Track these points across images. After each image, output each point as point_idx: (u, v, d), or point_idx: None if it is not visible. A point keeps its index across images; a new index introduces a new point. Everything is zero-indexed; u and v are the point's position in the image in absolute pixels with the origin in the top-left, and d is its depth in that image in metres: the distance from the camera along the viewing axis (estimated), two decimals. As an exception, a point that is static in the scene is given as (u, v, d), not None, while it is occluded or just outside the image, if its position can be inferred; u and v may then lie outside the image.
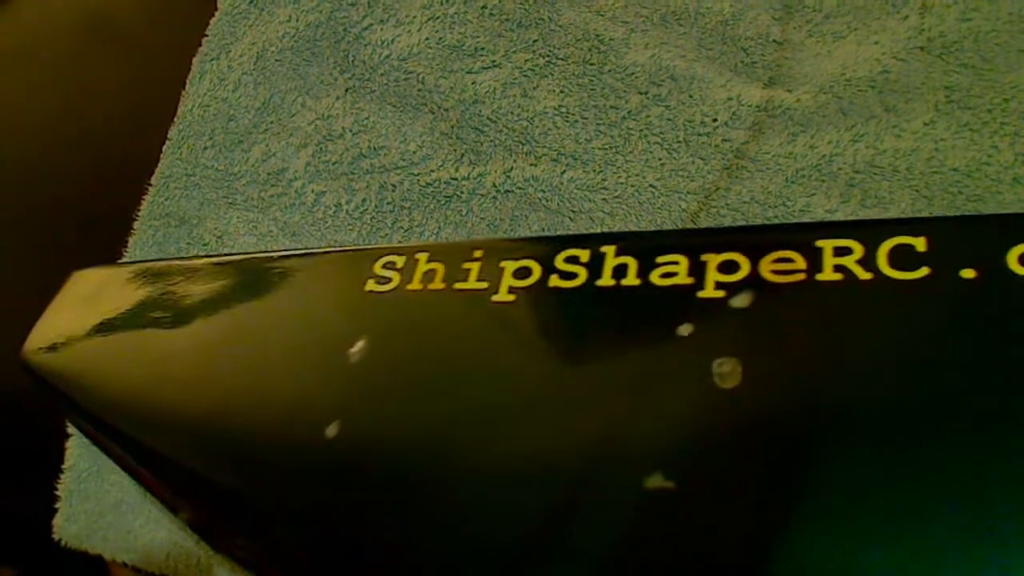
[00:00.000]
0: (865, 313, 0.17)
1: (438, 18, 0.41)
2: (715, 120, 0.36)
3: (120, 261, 0.43)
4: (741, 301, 0.18)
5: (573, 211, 0.36)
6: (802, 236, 0.18)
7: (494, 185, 0.38)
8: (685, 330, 0.18)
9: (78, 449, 0.40)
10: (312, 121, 0.42)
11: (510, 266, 0.21)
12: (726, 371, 0.17)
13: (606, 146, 0.37)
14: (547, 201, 0.37)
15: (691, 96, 0.37)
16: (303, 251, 0.27)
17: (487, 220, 0.37)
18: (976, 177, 0.31)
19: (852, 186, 0.33)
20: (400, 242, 0.38)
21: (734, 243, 0.19)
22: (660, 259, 0.19)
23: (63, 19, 0.53)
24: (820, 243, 0.18)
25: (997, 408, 0.14)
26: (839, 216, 0.32)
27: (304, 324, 0.23)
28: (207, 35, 0.46)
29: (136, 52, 0.51)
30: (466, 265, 0.21)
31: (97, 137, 0.48)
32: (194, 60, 0.46)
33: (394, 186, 0.39)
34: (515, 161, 0.38)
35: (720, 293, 0.18)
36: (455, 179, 0.38)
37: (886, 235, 0.17)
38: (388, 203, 0.39)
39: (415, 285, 0.22)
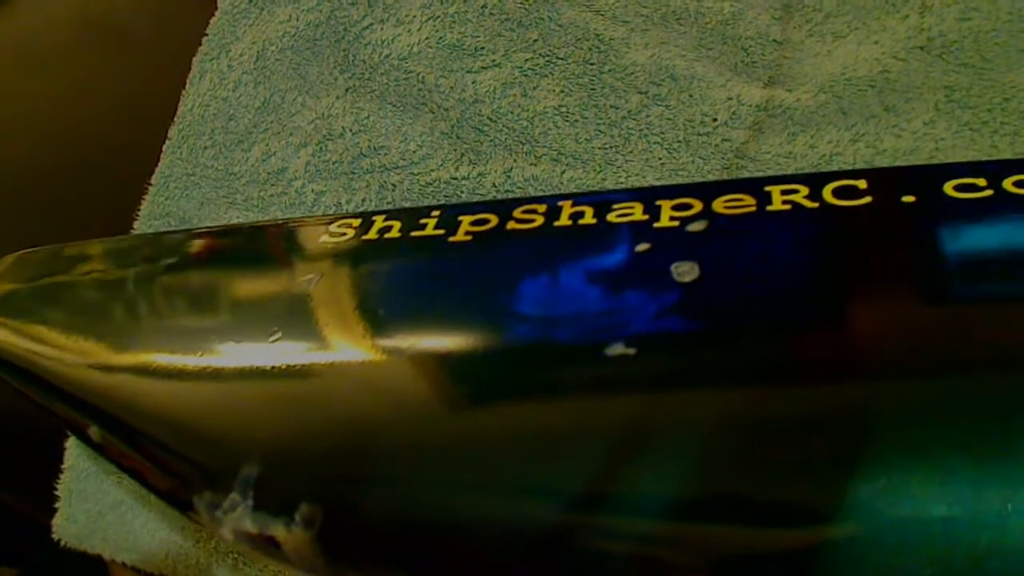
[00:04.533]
0: (813, 227, 0.18)
1: (438, 17, 0.41)
2: (715, 120, 0.36)
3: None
4: (696, 227, 0.19)
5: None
6: (750, 183, 0.20)
7: (494, 185, 0.38)
8: (642, 248, 0.19)
9: (78, 449, 0.40)
10: (312, 120, 0.42)
11: (467, 218, 0.21)
12: (684, 271, 0.18)
13: (606, 146, 0.37)
14: (547, 201, 0.37)
15: (691, 96, 0.37)
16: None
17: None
18: (976, 177, 0.31)
19: (852, 186, 0.33)
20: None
21: (686, 191, 0.20)
22: (615, 205, 0.20)
23: (63, 19, 0.53)
24: (768, 188, 0.19)
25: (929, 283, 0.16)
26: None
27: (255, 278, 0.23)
28: (207, 34, 0.46)
29: (136, 52, 0.51)
30: (423, 220, 0.22)
31: (97, 137, 0.48)
32: (194, 60, 0.46)
33: (394, 186, 0.39)
34: (515, 161, 0.38)
35: (675, 223, 0.19)
36: (455, 179, 0.38)
37: (830, 179, 0.19)
38: (388, 203, 0.39)
39: (371, 235, 0.22)
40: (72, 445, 0.40)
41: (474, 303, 0.19)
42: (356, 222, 0.23)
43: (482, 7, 0.41)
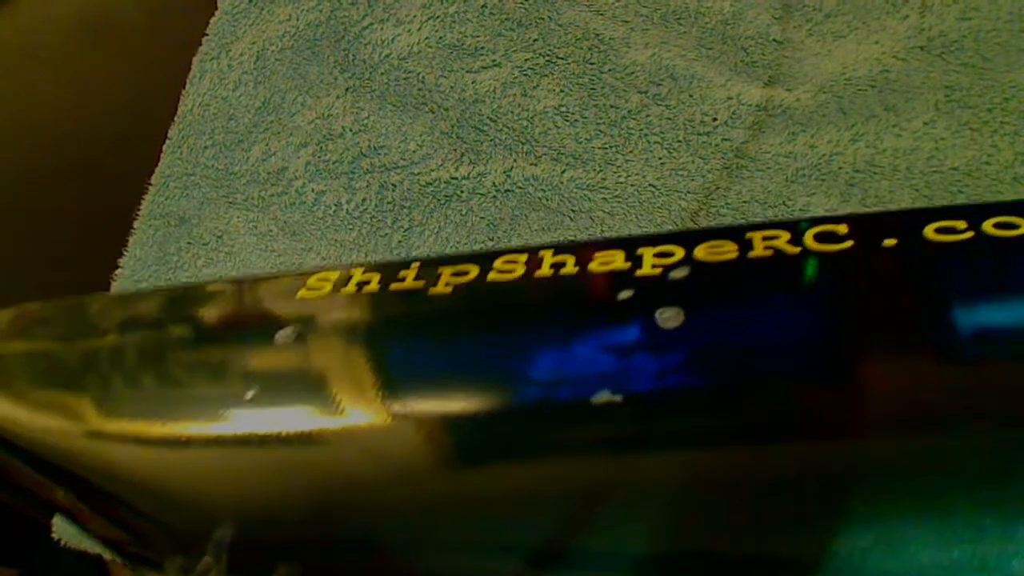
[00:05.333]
0: (797, 271, 0.18)
1: (438, 17, 0.41)
2: (715, 119, 0.36)
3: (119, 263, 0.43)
4: (678, 274, 0.18)
5: (573, 210, 0.36)
6: (731, 231, 0.19)
7: (494, 184, 0.38)
8: (625, 295, 0.18)
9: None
10: (312, 120, 0.42)
11: (447, 269, 0.21)
12: (668, 316, 0.17)
13: (606, 145, 0.37)
14: (547, 200, 0.37)
15: (691, 95, 0.37)
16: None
17: (487, 219, 0.37)
18: (976, 176, 0.31)
19: (852, 185, 0.33)
20: (400, 242, 0.38)
21: (666, 239, 0.20)
22: (597, 254, 0.20)
23: (63, 19, 0.53)
24: (749, 235, 0.19)
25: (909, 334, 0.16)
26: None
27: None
28: (207, 34, 0.46)
29: (136, 52, 0.51)
30: (402, 273, 0.21)
31: (97, 136, 0.48)
32: (194, 59, 0.46)
33: (394, 185, 0.39)
34: (515, 160, 0.38)
35: (657, 271, 0.19)
36: (455, 178, 0.38)
37: (809, 225, 0.18)
38: (388, 202, 0.39)
39: (349, 289, 0.21)
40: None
41: (458, 362, 0.19)
42: (335, 275, 0.22)
43: (482, 7, 0.41)
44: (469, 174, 0.38)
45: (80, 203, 0.47)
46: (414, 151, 0.40)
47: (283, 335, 0.21)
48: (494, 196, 0.37)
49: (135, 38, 0.52)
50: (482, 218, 0.37)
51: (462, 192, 0.38)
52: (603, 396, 0.16)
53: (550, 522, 0.16)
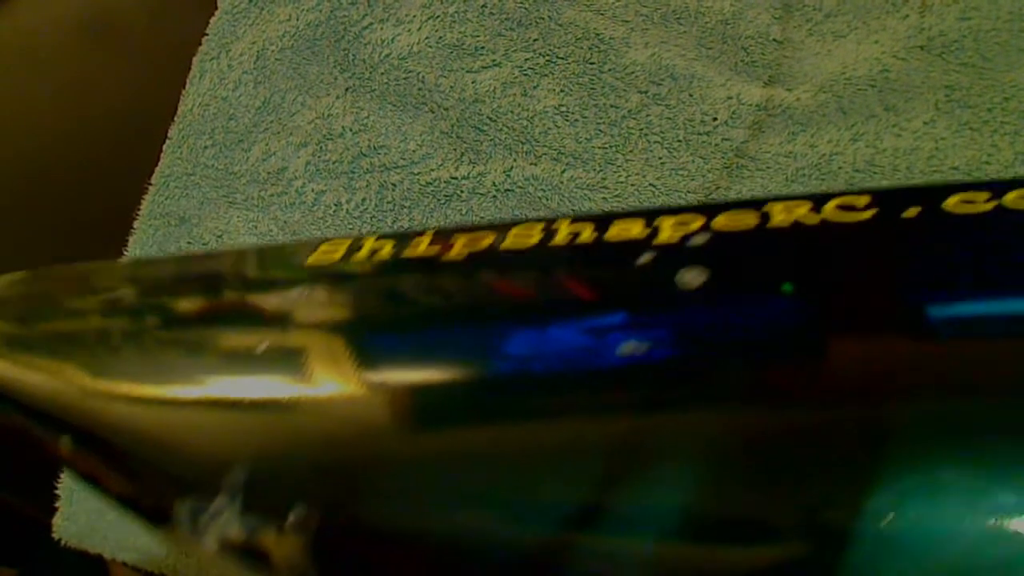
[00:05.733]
0: (819, 236, 0.18)
1: (438, 17, 0.41)
2: (715, 119, 0.36)
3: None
4: (698, 240, 0.18)
5: (573, 210, 0.36)
6: (750, 202, 0.19)
7: (494, 184, 0.38)
8: (645, 258, 0.18)
9: (78, 448, 0.40)
10: (312, 120, 0.42)
11: (462, 236, 0.21)
12: (690, 277, 0.17)
13: (606, 145, 0.37)
14: (547, 200, 0.37)
15: (691, 95, 0.37)
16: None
17: (487, 219, 0.37)
18: (976, 175, 0.31)
19: (852, 185, 0.33)
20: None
21: (685, 209, 0.20)
22: (615, 223, 0.20)
23: (63, 19, 0.53)
24: (768, 206, 0.19)
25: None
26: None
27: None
28: (207, 34, 0.46)
29: (136, 51, 0.51)
30: (416, 240, 0.21)
31: (97, 136, 0.48)
32: (194, 59, 0.46)
33: (394, 185, 0.39)
34: (515, 160, 0.38)
35: (676, 239, 0.19)
36: (455, 178, 0.39)
37: (830, 197, 0.19)
38: (388, 202, 0.39)
39: (361, 255, 0.21)
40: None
41: (465, 328, 0.19)
42: (346, 243, 0.22)
43: (482, 7, 0.41)
44: (469, 174, 0.38)
45: (80, 203, 0.47)
46: (414, 151, 0.40)
47: (294, 293, 0.21)
48: (494, 196, 0.38)
49: (135, 38, 0.52)
50: (482, 217, 0.37)
51: (462, 192, 0.38)
52: (628, 346, 0.16)
53: (589, 480, 0.16)
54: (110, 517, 0.38)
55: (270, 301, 0.21)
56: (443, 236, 0.21)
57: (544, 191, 0.37)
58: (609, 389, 0.16)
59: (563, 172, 0.37)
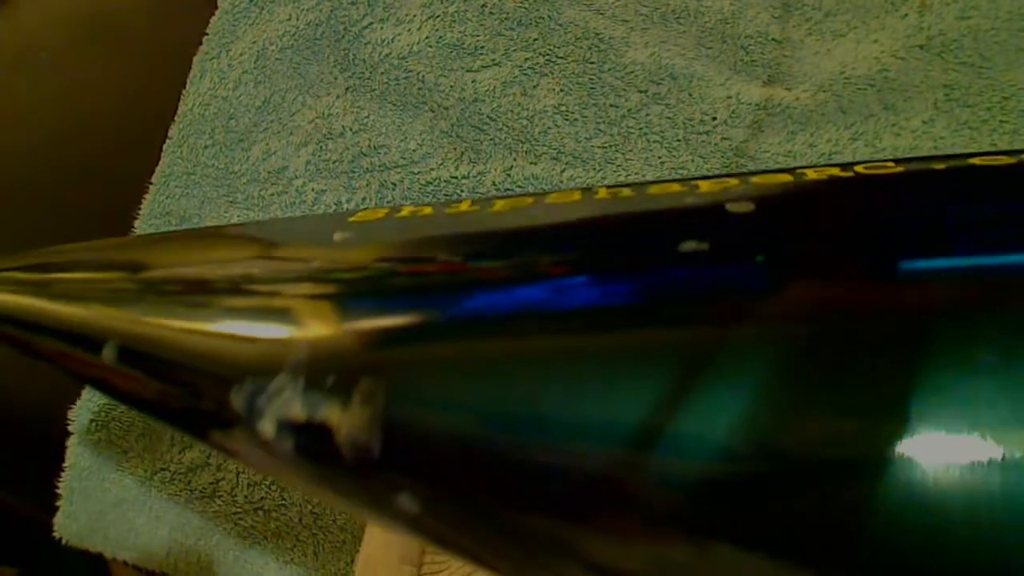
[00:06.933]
0: (851, 187, 0.19)
1: (438, 16, 0.41)
2: (714, 118, 0.36)
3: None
4: (736, 190, 0.19)
5: (573, 209, 0.36)
6: (783, 170, 0.20)
7: (494, 184, 0.38)
8: (690, 199, 0.19)
9: (78, 447, 0.40)
10: (312, 120, 0.42)
11: (502, 201, 0.21)
12: (739, 207, 0.18)
13: (606, 144, 0.37)
14: (547, 199, 0.37)
15: (691, 94, 0.37)
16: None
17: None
18: (975, 175, 0.32)
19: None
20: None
21: (722, 175, 0.20)
22: (653, 186, 0.20)
23: (63, 19, 0.53)
24: (800, 170, 0.20)
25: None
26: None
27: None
28: (207, 34, 0.46)
29: (136, 51, 0.51)
30: (455, 204, 0.22)
31: (97, 136, 0.48)
32: (194, 59, 0.46)
33: (394, 184, 0.39)
34: (515, 160, 0.38)
35: (714, 191, 0.19)
36: (455, 178, 0.39)
37: (860, 162, 0.20)
38: (388, 202, 0.39)
39: (404, 213, 0.21)
40: (73, 443, 0.40)
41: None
42: (384, 210, 0.22)
43: (482, 6, 0.41)
44: (469, 173, 0.38)
45: (80, 203, 0.47)
46: (414, 150, 0.40)
47: (339, 235, 0.21)
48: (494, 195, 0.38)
49: (135, 38, 0.52)
50: (482, 217, 0.37)
51: (462, 191, 0.38)
52: (690, 244, 0.17)
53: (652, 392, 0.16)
54: (111, 516, 0.38)
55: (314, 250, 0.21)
56: (483, 201, 0.21)
57: (544, 190, 0.37)
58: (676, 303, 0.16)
59: (563, 171, 0.37)
